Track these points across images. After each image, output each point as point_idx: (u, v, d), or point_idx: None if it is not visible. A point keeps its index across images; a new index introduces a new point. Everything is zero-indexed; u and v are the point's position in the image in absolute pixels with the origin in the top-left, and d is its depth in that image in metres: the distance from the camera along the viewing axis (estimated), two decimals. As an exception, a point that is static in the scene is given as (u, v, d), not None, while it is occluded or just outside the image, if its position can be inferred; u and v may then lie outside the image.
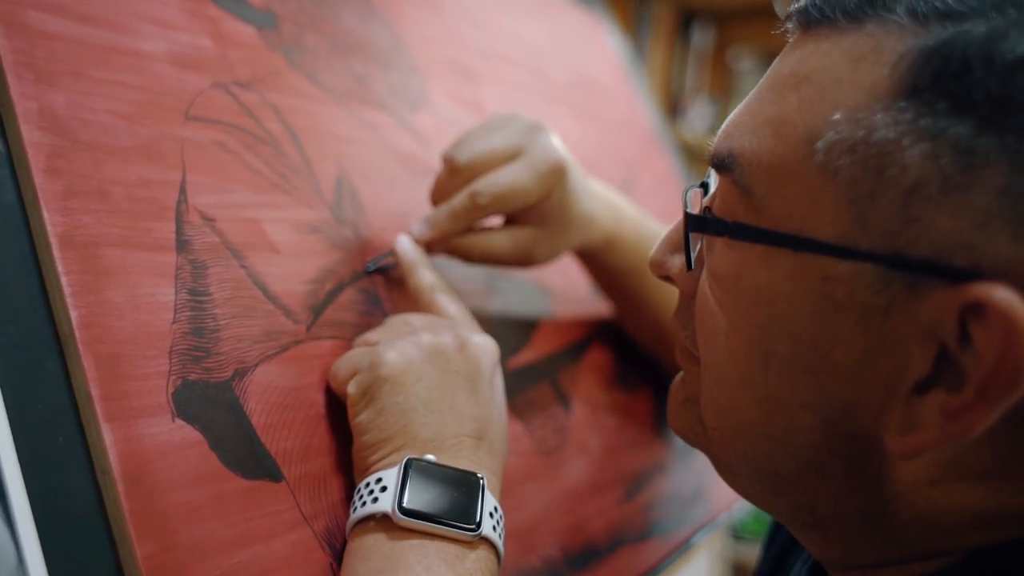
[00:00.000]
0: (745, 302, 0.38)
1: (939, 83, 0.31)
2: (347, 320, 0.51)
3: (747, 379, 0.38)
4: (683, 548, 0.73)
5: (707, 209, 0.42)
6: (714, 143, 0.41)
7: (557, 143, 0.58)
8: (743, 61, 3.11)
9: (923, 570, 0.37)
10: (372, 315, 0.53)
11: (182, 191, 0.45)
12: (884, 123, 0.32)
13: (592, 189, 0.63)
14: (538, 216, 0.58)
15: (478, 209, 0.54)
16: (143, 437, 0.37)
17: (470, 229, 0.57)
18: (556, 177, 0.56)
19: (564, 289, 0.74)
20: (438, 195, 0.57)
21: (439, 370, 0.45)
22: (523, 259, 0.59)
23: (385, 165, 0.61)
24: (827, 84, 0.35)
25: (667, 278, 0.46)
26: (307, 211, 0.52)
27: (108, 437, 0.36)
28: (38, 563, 0.33)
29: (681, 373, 0.48)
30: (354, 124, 0.60)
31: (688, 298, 0.45)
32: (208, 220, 0.45)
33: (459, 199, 0.55)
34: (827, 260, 0.34)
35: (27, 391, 0.35)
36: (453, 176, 0.55)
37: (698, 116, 3.06)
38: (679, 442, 0.80)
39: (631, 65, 1.18)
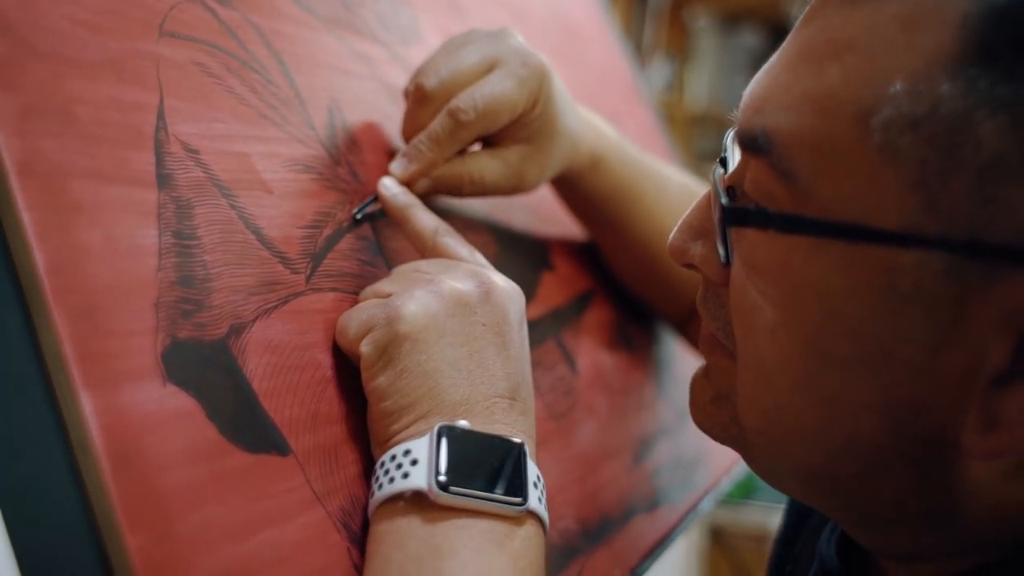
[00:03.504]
0: (794, 298, 0.34)
1: (1016, 44, 0.27)
2: (348, 270, 0.45)
3: (802, 381, 0.34)
4: (692, 516, 0.69)
5: (731, 190, 0.37)
6: (739, 119, 0.36)
7: (530, 46, 0.52)
8: (699, 20, 3.07)
9: (982, 560, 0.34)
10: (374, 264, 0.47)
11: (160, 117, 0.38)
12: (952, 94, 0.28)
13: (572, 102, 0.57)
14: (525, 131, 0.52)
15: (462, 128, 0.48)
16: (130, 406, 0.31)
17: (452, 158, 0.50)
18: (540, 81, 0.50)
19: (562, 237, 0.69)
20: (410, 130, 0.50)
21: (464, 323, 0.40)
22: (515, 183, 0.53)
23: (380, 100, 0.54)
24: (877, 51, 0.30)
25: (690, 265, 0.41)
26: (299, 147, 0.45)
27: (88, 406, 0.29)
28: (8, 565, 0.26)
29: (704, 365, 0.43)
30: (346, 55, 0.54)
31: (716, 286, 0.40)
32: (191, 152, 0.39)
33: (438, 122, 0.48)
34: (890, 250, 0.30)
35: (-15, 353, 0.29)
36: (424, 105, 0.49)
37: (656, 75, 3.01)
38: (679, 402, 0.76)
39: (608, 16, 1.13)
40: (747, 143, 0.35)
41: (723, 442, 0.42)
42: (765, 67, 0.36)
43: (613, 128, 0.64)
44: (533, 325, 0.59)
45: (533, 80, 0.50)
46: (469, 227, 0.58)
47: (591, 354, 0.65)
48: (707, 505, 0.72)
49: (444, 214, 0.56)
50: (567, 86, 0.87)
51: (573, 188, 0.62)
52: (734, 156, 0.39)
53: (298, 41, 0.49)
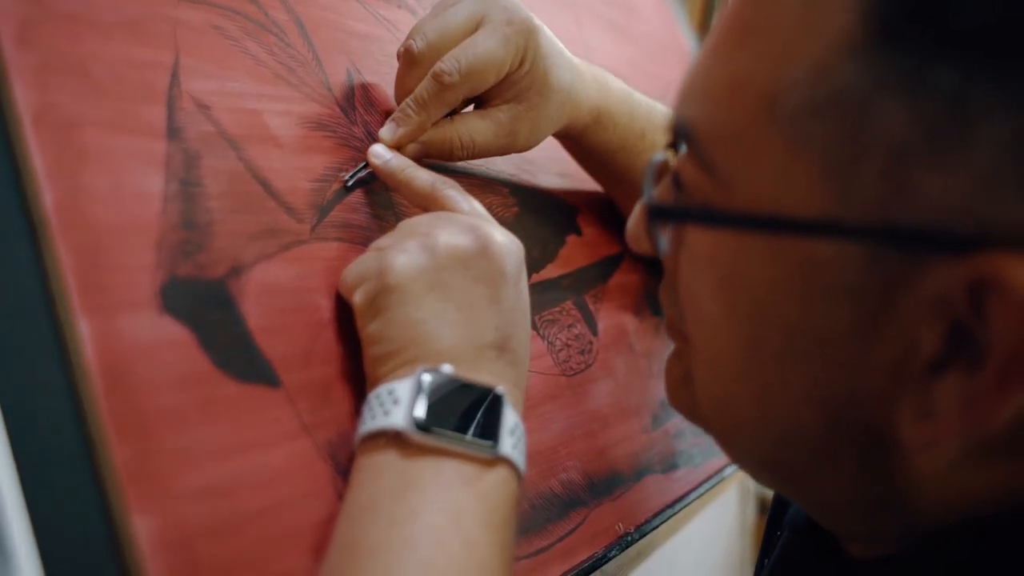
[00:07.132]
0: (727, 291, 0.33)
1: (916, 19, 0.26)
2: (355, 222, 0.47)
3: (741, 372, 0.34)
4: (713, 480, 0.70)
5: (677, 179, 0.37)
6: (674, 106, 0.35)
7: (518, 2, 0.52)
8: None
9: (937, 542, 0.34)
10: (383, 218, 0.49)
11: (174, 75, 0.41)
12: (854, 76, 0.27)
13: (569, 57, 0.57)
14: (514, 90, 0.52)
15: (447, 90, 0.49)
16: (125, 332, 0.34)
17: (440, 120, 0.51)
18: (525, 38, 0.51)
19: (594, 201, 0.70)
20: (400, 93, 0.51)
21: (456, 276, 0.42)
22: (506, 142, 0.54)
23: (401, 64, 0.57)
24: (780, 36, 0.30)
25: (646, 253, 0.41)
26: (314, 106, 0.48)
27: (85, 330, 0.33)
28: (5, 467, 0.30)
29: (675, 347, 0.43)
30: (369, 19, 0.56)
31: (673, 274, 0.40)
32: (203, 107, 0.42)
33: (423, 85, 0.49)
34: (809, 241, 0.30)
35: (-5, 281, 0.32)
36: (413, 67, 0.49)
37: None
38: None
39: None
40: (675, 133, 0.35)
41: (695, 423, 0.43)
42: (698, 51, 0.35)
43: (620, 80, 0.63)
44: (550, 285, 0.61)
45: (519, 37, 0.50)
46: (492, 189, 0.60)
47: (614, 316, 0.66)
48: (730, 471, 0.73)
49: (467, 175, 0.58)
50: (617, 57, 0.88)
51: (578, 143, 0.62)
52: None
53: (320, 5, 0.52)
